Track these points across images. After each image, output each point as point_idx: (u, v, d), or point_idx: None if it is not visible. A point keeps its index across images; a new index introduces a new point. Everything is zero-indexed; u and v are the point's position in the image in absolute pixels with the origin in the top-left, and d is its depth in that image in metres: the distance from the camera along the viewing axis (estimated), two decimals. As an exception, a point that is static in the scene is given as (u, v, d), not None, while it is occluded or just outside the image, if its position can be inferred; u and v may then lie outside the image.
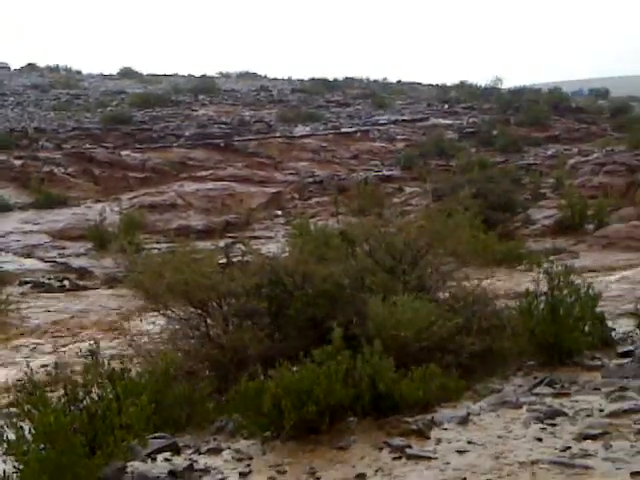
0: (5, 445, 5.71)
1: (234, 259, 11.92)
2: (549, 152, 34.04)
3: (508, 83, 51.79)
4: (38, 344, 13.57)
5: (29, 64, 59.55)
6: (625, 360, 8.76)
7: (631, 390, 7.35)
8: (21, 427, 5.78)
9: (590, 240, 22.04)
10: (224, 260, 11.76)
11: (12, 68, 58.83)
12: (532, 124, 38.74)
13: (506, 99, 44.50)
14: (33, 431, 5.72)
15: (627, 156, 28.39)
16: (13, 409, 5.96)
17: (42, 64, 59.25)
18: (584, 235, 22.51)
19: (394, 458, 6.10)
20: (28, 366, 7.18)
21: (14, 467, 5.70)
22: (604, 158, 29.12)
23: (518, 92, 47.86)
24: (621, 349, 9.27)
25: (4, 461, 5.81)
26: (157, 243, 20.92)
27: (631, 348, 9.27)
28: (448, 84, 54.24)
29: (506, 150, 34.52)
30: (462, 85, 52.15)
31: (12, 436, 5.73)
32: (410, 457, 6.06)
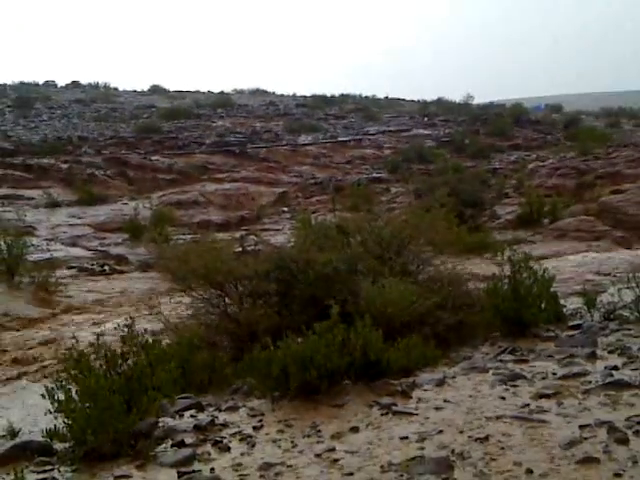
0: (56, 404, 5.75)
1: (248, 248, 11.94)
2: (512, 158, 33.98)
3: (478, 99, 51.68)
4: (83, 318, 13.60)
5: (73, 81, 59.38)
6: (574, 332, 8.79)
7: (579, 357, 7.40)
8: (69, 389, 5.82)
9: (545, 232, 22.03)
10: (239, 249, 11.78)
11: (59, 85, 58.69)
12: (498, 134, 38.69)
13: (476, 113, 44.43)
14: (79, 392, 5.76)
15: (577, 161, 28.37)
16: (63, 374, 5.96)
17: (84, 81, 59.13)
18: (540, 228, 22.49)
19: (382, 414, 6.14)
20: (74, 337, 7.22)
21: (64, 422, 5.75)
22: (558, 163, 29.07)
23: (486, 107, 47.79)
24: (571, 323, 9.31)
25: (55, 417, 5.85)
26: (182, 235, 20.89)
27: (579, 322, 9.30)
28: (428, 100, 54.10)
29: (476, 156, 34.47)
30: (440, 101, 52.03)
31: (62, 397, 5.77)
32: (395, 413, 6.10)
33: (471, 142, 36.70)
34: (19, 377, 10.29)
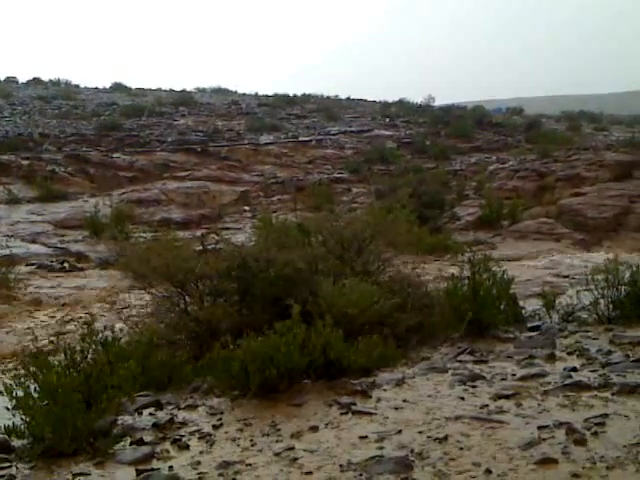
0: (14, 401, 5.69)
1: (208, 247, 11.87)
2: (472, 160, 34.25)
3: (439, 101, 51.89)
4: (43, 315, 13.44)
5: (34, 78, 58.44)
6: (533, 333, 8.88)
7: (538, 358, 7.48)
8: (27, 386, 5.76)
9: (505, 233, 22.31)
10: (200, 247, 11.71)
11: (20, 81, 57.86)
12: (459, 136, 38.90)
13: (437, 115, 44.60)
14: (38, 389, 5.71)
15: (537, 164, 28.72)
16: (21, 371, 5.89)
17: (45, 78, 58.27)
18: (500, 229, 22.77)
19: (342, 413, 6.15)
20: (33, 334, 7.15)
21: (22, 419, 5.68)
22: (518, 165, 29.41)
23: (447, 109, 47.98)
24: (530, 324, 9.39)
25: (13, 414, 5.77)
26: (143, 232, 20.69)
27: (538, 323, 9.40)
28: (389, 101, 54.24)
29: (437, 158, 34.68)
30: (401, 102, 52.10)
31: (20, 393, 5.70)
32: (355, 413, 6.11)
33: (432, 143, 36.91)
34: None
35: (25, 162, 29.12)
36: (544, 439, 5.10)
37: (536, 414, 5.68)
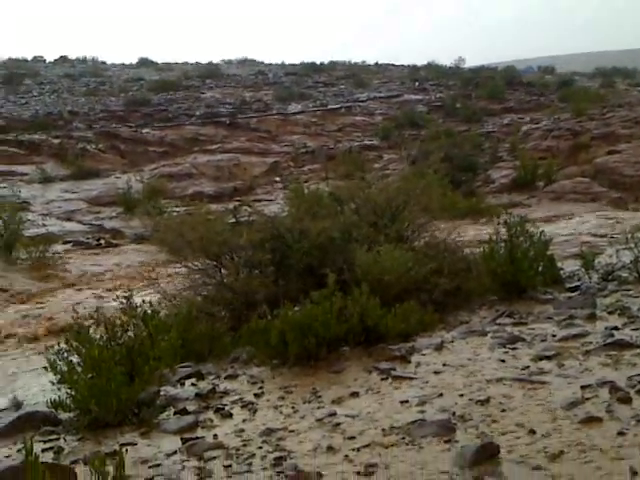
0: (59, 375, 5.81)
1: (242, 219, 11.93)
2: (505, 121, 33.84)
3: (469, 63, 51.35)
4: (81, 292, 13.64)
5: (61, 56, 58.80)
6: (573, 294, 8.85)
7: (578, 318, 7.46)
8: (71, 361, 5.88)
9: (540, 195, 22.08)
10: (233, 220, 11.77)
11: (47, 60, 58.20)
12: (490, 97, 38.43)
13: (467, 77, 44.12)
14: (82, 363, 5.82)
15: (571, 123, 28.31)
16: (64, 346, 6.01)
17: (72, 56, 58.58)
18: (535, 191, 22.53)
19: (382, 379, 6.20)
20: (73, 310, 7.26)
21: (67, 393, 5.81)
22: (552, 125, 29.01)
23: (477, 70, 47.48)
24: (569, 285, 9.35)
25: (58, 389, 5.90)
26: (176, 207, 20.87)
27: (577, 284, 9.36)
28: (418, 65, 53.71)
29: (468, 120, 34.30)
30: (430, 65, 51.62)
31: (64, 368, 5.82)
32: (395, 378, 6.16)
33: (463, 106, 36.50)
34: (23, 351, 10.36)
35: (56, 141, 29.33)
36: (587, 398, 5.10)
37: (578, 374, 5.67)
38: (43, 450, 5.21)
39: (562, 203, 20.64)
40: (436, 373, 6.17)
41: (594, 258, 10.01)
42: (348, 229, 10.10)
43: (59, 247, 17.35)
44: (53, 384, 5.93)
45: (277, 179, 28.07)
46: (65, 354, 5.91)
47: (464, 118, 34.65)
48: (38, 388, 7.62)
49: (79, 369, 5.79)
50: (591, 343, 6.47)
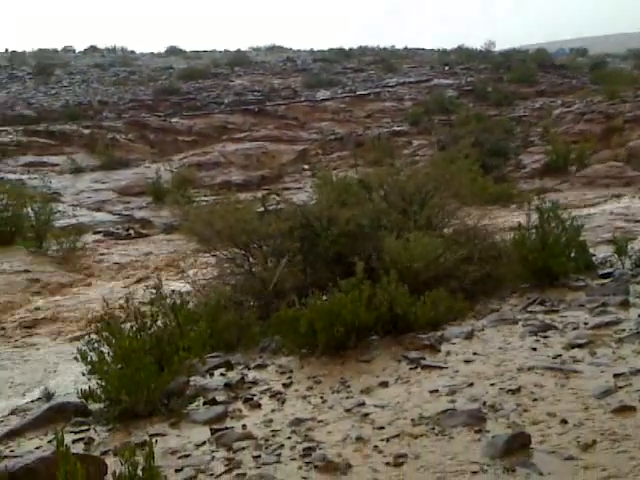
0: (89, 366, 5.87)
1: (270, 207, 11.94)
2: (536, 105, 33.52)
3: (500, 46, 50.96)
4: (111, 282, 13.75)
5: (91, 46, 59.29)
6: (605, 280, 8.75)
7: (611, 306, 7.37)
8: (101, 351, 5.94)
9: (573, 180, 21.84)
10: (262, 208, 11.79)
11: (77, 50, 58.66)
12: (521, 81, 38.10)
13: (498, 60, 43.75)
14: (112, 354, 5.87)
15: (604, 106, 27.97)
16: (94, 336, 6.07)
17: (101, 46, 59.02)
18: (568, 175, 22.30)
19: (411, 368, 6.18)
20: (104, 300, 7.32)
21: (97, 384, 5.86)
22: (584, 108, 28.68)
23: (508, 53, 47.08)
24: (601, 271, 9.26)
25: (89, 379, 5.96)
26: (205, 196, 20.91)
27: (610, 270, 9.25)
28: (448, 49, 53.38)
29: (499, 104, 34.01)
30: (460, 49, 51.29)
31: (95, 358, 5.88)
32: (424, 367, 6.14)
33: (494, 90, 36.18)
34: (54, 340, 10.48)
35: (86, 131, 29.56)
36: (620, 387, 5.05)
37: (611, 362, 5.61)
38: (74, 441, 5.27)
39: (595, 188, 20.39)
40: (466, 362, 6.13)
41: (627, 244, 9.88)
42: (377, 216, 10.08)
43: (89, 237, 17.48)
44: (84, 375, 5.99)
45: (305, 167, 28.01)
46: (95, 344, 5.96)
47: (495, 102, 34.36)
48: (72, 379, 7.69)
49: (109, 359, 5.84)
50: (624, 331, 6.39)
